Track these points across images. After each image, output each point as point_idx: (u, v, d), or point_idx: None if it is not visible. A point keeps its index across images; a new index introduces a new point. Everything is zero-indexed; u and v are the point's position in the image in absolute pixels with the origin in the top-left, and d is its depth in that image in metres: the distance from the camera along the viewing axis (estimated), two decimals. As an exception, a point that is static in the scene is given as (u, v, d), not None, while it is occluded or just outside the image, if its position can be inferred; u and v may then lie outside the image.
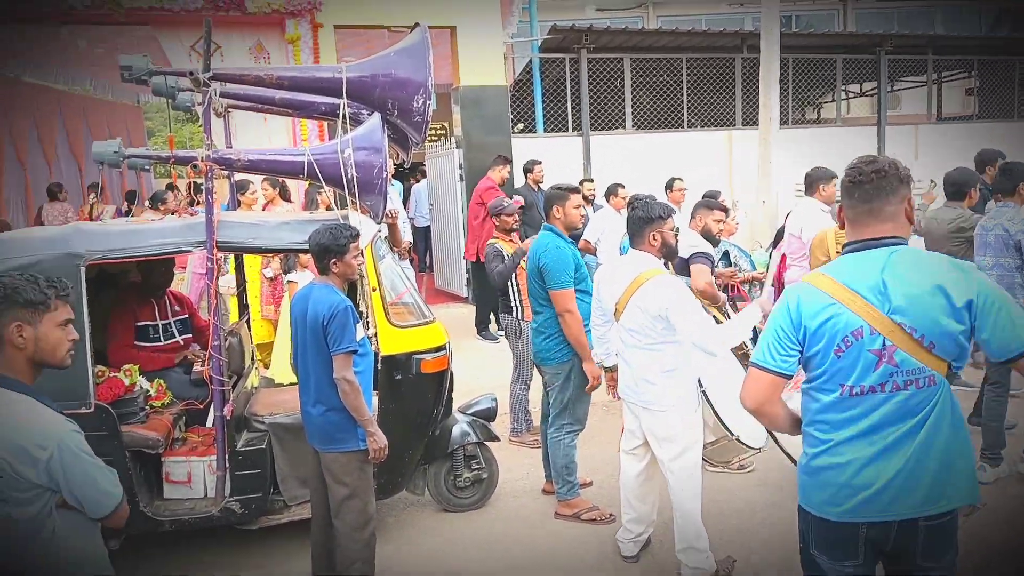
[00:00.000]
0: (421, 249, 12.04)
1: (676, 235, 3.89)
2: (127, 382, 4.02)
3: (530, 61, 10.93)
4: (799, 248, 5.58)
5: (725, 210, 5.64)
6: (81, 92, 15.51)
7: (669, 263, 4.02)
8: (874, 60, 12.25)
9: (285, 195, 7.91)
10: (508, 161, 8.39)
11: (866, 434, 2.10)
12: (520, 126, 11.02)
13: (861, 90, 14.45)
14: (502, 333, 6.35)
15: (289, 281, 6.46)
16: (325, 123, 8.27)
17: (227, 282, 5.81)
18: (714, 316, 5.08)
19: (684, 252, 4.73)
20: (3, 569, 2.10)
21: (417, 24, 3.79)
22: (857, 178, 2.16)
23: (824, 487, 2.16)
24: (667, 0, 17.12)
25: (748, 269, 6.10)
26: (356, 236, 3.43)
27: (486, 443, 4.58)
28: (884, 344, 2.05)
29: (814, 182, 5.69)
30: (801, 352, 2.18)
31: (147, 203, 11.08)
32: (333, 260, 3.36)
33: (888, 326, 2.05)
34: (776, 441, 3.45)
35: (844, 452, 2.12)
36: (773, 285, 6.48)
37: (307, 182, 7.59)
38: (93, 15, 8.09)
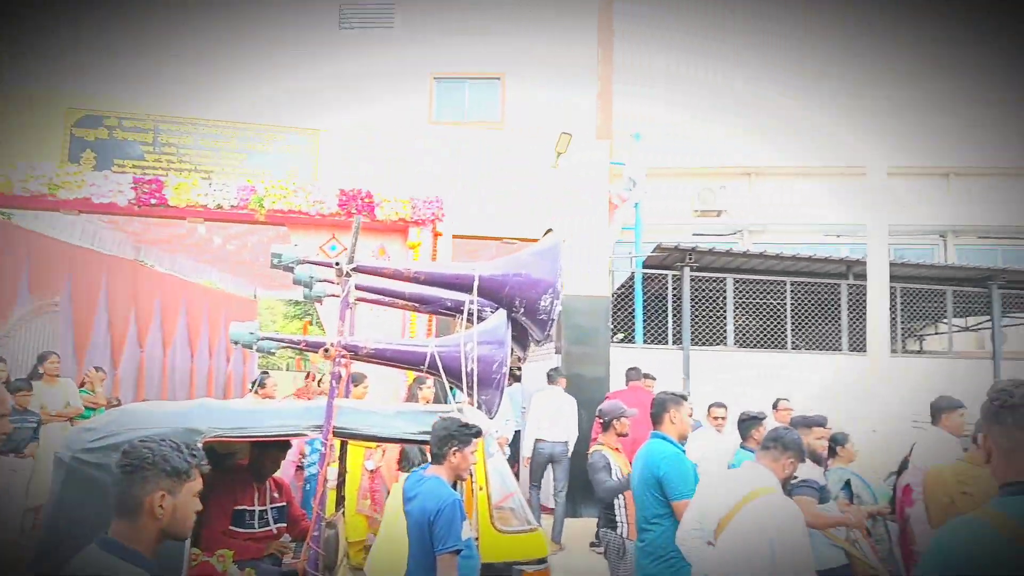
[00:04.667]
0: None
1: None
2: (219, 569, 3.88)
3: (631, 275, 11.19)
4: (928, 481, 5.15)
5: (822, 425, 5.42)
6: (204, 284, 16.71)
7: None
8: (983, 294, 12.04)
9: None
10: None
11: None
12: (619, 336, 11.08)
13: (966, 324, 14.11)
14: (601, 550, 5.96)
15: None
16: (435, 319, 8.52)
17: (330, 474, 5.71)
18: (845, 551, 4.64)
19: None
20: None
21: (550, 230, 3.95)
22: (1009, 401, 1.93)
23: None
24: (763, 228, 17.55)
25: (870, 501, 5.60)
26: (479, 433, 3.37)
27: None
28: None
29: (940, 411, 5.39)
30: None
31: (249, 387, 11.45)
32: (455, 449, 3.28)
33: None
34: None
35: None
36: (895, 520, 5.91)
37: (410, 377, 7.77)
38: (235, 215, 8.82)
